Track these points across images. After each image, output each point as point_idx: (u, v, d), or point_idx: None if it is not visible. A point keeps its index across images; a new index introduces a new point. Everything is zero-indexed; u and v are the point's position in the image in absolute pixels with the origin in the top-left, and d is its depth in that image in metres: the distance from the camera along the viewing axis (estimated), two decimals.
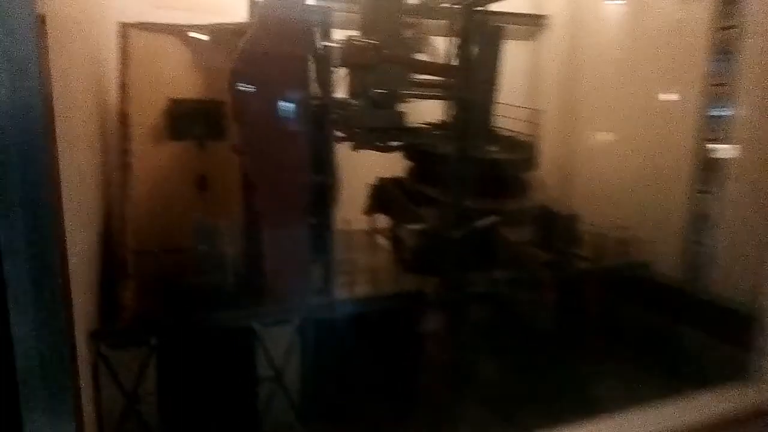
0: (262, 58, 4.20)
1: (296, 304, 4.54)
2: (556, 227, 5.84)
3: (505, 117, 6.29)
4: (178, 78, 5.01)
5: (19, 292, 2.06)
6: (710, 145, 5.36)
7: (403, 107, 5.83)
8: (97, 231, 4.32)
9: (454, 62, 5.29)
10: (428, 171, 5.83)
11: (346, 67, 5.38)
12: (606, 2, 6.94)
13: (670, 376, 5.03)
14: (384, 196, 6.14)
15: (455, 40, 5.27)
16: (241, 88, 4.19)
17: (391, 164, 6.17)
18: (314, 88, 4.64)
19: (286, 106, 4.37)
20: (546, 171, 6.56)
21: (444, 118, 5.85)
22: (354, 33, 5.65)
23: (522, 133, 6.24)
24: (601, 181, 6.87)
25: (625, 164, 6.47)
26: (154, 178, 4.94)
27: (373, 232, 6.41)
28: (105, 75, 4.91)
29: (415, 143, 5.90)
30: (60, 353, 2.19)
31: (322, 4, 4.98)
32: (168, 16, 4.99)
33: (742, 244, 5.03)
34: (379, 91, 5.52)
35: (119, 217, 4.63)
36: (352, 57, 5.30)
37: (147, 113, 4.88)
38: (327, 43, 4.77)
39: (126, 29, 4.71)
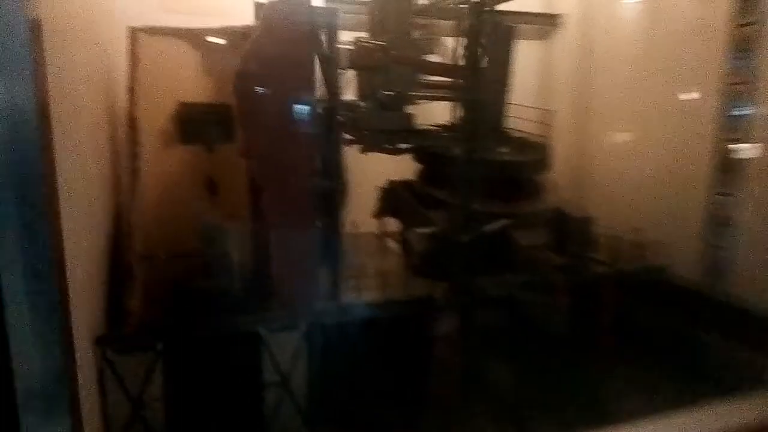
0: (268, 60, 4.17)
1: (303, 309, 4.50)
2: (570, 230, 5.74)
3: (518, 118, 6.20)
4: (186, 81, 5.00)
5: (16, 305, 2.04)
6: (729, 146, 5.21)
7: (412, 109, 5.77)
8: (105, 235, 4.32)
9: (465, 63, 5.21)
10: (438, 174, 5.76)
11: (354, 68, 5.33)
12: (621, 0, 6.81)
13: (688, 381, 4.90)
14: (393, 199, 6.08)
15: (465, 41, 5.19)
16: (246, 90, 4.16)
17: (401, 167, 6.11)
18: (321, 91, 4.60)
19: (293, 109, 4.34)
20: (560, 172, 6.45)
21: (454, 119, 5.77)
22: (362, 34, 5.60)
23: (535, 134, 6.15)
24: (617, 182, 6.73)
25: (641, 165, 6.33)
26: (162, 182, 4.94)
27: (383, 235, 6.35)
28: (114, 79, 4.92)
29: (425, 145, 5.83)
30: (59, 365, 2.16)
31: (329, 5, 4.94)
32: (175, 20, 4.98)
33: (762, 247, 4.87)
34: (388, 92, 5.46)
35: (127, 222, 4.63)
36: (360, 59, 5.26)
37: (155, 117, 4.88)
38: (334, 45, 4.73)
39: (133, 33, 4.71)
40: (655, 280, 5.85)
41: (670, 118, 5.92)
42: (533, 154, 5.96)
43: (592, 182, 7.22)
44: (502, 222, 5.34)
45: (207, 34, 4.97)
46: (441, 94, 5.95)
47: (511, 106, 6.06)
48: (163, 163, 4.93)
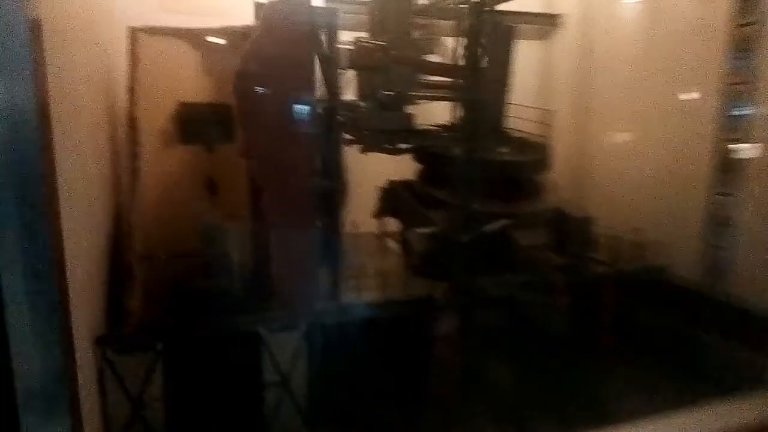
0: (268, 60, 4.17)
1: (303, 309, 4.49)
2: (570, 230, 5.73)
3: (518, 118, 6.19)
4: (186, 81, 5.00)
5: (16, 305, 2.03)
6: (729, 146, 5.20)
7: (412, 109, 5.76)
8: (105, 235, 4.32)
9: (465, 63, 5.21)
10: (438, 174, 5.75)
11: (354, 68, 5.33)
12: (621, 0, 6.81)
13: (688, 381, 4.90)
14: (393, 199, 6.08)
15: (465, 41, 5.19)
16: (246, 90, 4.16)
17: (401, 167, 6.10)
18: (321, 91, 4.60)
19: (293, 109, 4.33)
20: (560, 172, 6.45)
21: (454, 119, 5.77)
22: (362, 34, 5.59)
23: (535, 134, 6.14)
24: (617, 182, 6.72)
25: (641, 165, 6.32)
26: (162, 182, 4.93)
27: (383, 235, 6.35)
28: (114, 79, 4.92)
29: (425, 145, 5.82)
30: (59, 365, 2.16)
31: (329, 5, 4.94)
32: (175, 20, 4.98)
33: (762, 247, 4.87)
34: (388, 92, 5.45)
35: (127, 222, 4.63)
36: (360, 59, 5.25)
37: (155, 117, 4.88)
38: (334, 45, 4.72)
39: (133, 33, 4.71)
40: (655, 280, 5.84)
41: (670, 118, 5.91)
42: (533, 154, 5.95)
43: (592, 182, 7.21)
44: (502, 222, 5.33)
45: (207, 34, 4.97)
46: (441, 94, 5.95)
47: (511, 106, 6.05)
48: (163, 163, 4.93)
